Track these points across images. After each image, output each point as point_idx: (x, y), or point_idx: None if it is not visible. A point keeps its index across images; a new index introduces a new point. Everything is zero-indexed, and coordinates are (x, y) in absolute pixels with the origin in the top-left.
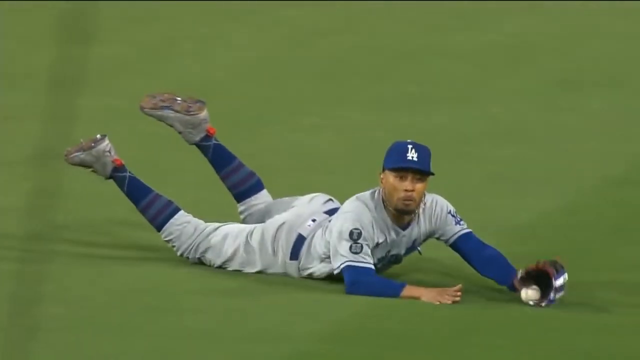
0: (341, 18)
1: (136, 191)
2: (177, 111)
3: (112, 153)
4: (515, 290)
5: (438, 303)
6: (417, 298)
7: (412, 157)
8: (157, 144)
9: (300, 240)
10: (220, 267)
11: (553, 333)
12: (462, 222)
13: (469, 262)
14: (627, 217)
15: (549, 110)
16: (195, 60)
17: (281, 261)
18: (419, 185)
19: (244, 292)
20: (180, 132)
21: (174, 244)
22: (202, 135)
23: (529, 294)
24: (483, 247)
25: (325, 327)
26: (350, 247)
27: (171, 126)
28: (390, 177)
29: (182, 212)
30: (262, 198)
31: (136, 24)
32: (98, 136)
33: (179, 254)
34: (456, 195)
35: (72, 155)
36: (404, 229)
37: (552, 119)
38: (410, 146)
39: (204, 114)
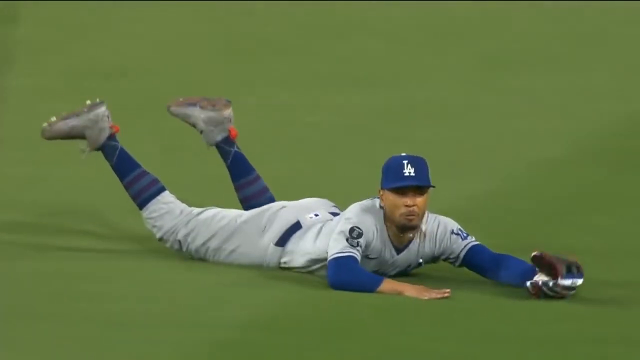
0: None
1: (124, 164)
2: (202, 107)
3: (110, 119)
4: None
5: (426, 298)
6: (398, 293)
7: (410, 172)
8: None
9: (295, 227)
10: (197, 250)
11: (489, 321)
12: (468, 237)
13: (484, 274)
14: (560, 200)
15: (476, 90)
16: (120, 40)
17: (265, 243)
18: (419, 200)
19: (172, 278)
20: (201, 132)
21: (155, 224)
22: (224, 135)
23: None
24: (496, 255)
25: (251, 314)
26: (347, 240)
27: (194, 126)
28: (390, 195)
29: (167, 192)
30: None
31: (61, 3)
32: (97, 100)
33: (159, 235)
34: (377, 178)
35: (60, 123)
36: (399, 251)
37: (479, 98)
38: (405, 161)
39: (228, 112)
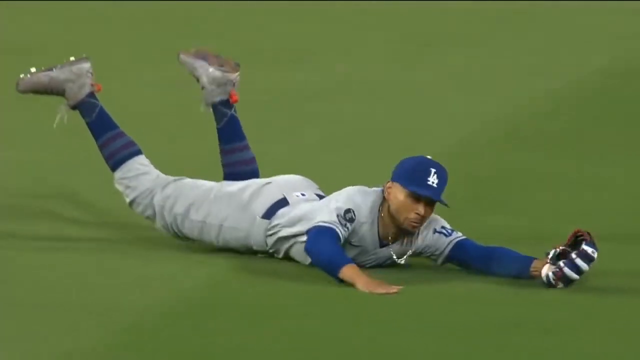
0: None
1: (102, 123)
2: (210, 63)
3: (93, 77)
4: (533, 277)
5: (367, 291)
6: (353, 282)
7: (433, 182)
8: None
9: (281, 203)
10: (177, 220)
11: (402, 305)
12: (454, 233)
13: (472, 266)
14: (480, 183)
15: (400, 68)
16: (37, 17)
17: (250, 217)
18: (429, 209)
19: (80, 261)
20: (203, 88)
21: (130, 184)
22: (224, 98)
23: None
24: (483, 247)
25: (165, 299)
26: (338, 217)
27: (198, 80)
28: (402, 195)
29: (144, 155)
30: None
31: None
32: (84, 55)
33: (132, 197)
34: (296, 155)
35: (40, 74)
36: (383, 245)
37: (404, 76)
38: (433, 170)
39: (234, 75)
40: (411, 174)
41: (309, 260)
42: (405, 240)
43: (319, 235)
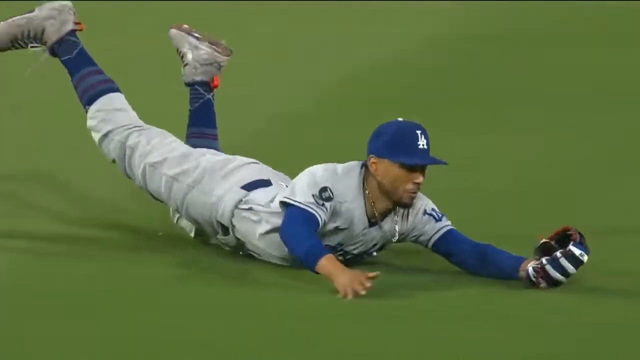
0: None
1: (81, 60)
2: (199, 39)
3: (76, 16)
4: (520, 278)
5: (342, 295)
6: (330, 277)
7: (423, 145)
8: None
9: (264, 182)
10: (145, 172)
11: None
12: (443, 219)
13: (461, 264)
14: (311, 154)
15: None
16: None
17: (228, 184)
18: (424, 173)
19: None
20: (186, 65)
21: (104, 118)
22: (205, 79)
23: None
24: (475, 243)
25: None
26: (314, 196)
27: (182, 57)
28: (394, 168)
29: (123, 96)
30: None
31: None
32: None
33: (103, 132)
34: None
35: (17, 18)
36: (372, 225)
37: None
38: (419, 132)
39: (224, 58)
40: (398, 144)
41: (284, 251)
42: (396, 217)
43: (293, 219)
